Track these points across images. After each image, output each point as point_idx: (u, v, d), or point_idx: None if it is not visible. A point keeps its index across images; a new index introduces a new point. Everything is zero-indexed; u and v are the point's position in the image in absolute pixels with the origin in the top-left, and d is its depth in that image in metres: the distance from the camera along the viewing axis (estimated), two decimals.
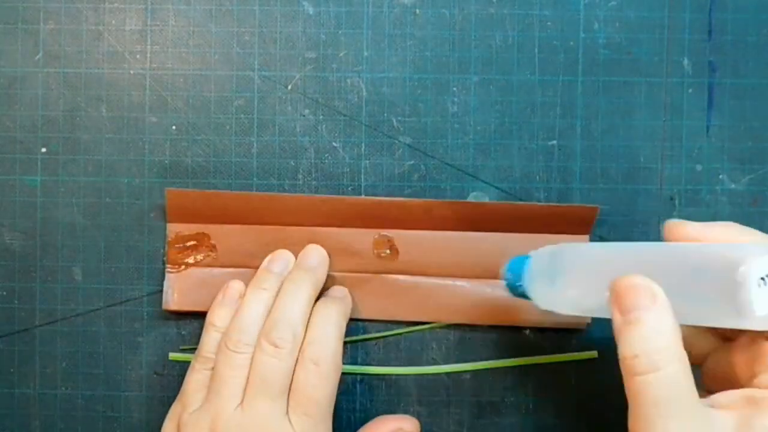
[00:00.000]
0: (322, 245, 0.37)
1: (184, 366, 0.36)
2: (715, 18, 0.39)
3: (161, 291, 0.38)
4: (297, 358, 0.33)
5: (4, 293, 0.38)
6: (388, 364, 0.38)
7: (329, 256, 0.37)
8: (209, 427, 0.32)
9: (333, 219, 0.37)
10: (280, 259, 0.37)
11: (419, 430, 0.36)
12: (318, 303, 0.36)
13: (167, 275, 0.37)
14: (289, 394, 0.33)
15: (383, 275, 0.38)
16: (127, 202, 0.38)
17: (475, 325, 0.38)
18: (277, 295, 0.35)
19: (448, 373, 0.38)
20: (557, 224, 0.37)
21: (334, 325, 0.35)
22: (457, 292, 0.38)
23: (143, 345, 0.38)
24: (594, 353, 0.38)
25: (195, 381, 0.34)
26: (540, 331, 0.38)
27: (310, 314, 0.35)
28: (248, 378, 0.33)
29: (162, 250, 0.38)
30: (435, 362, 0.38)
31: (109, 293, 0.38)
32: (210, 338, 0.35)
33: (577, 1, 0.38)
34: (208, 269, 0.37)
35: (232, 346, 0.33)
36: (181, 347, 0.38)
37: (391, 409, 0.38)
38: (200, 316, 0.38)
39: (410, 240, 0.38)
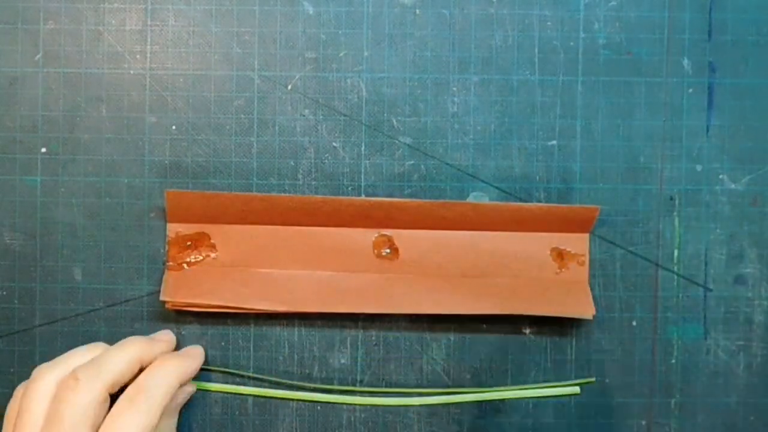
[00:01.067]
0: (321, 245, 0.37)
1: None
2: (715, 18, 0.39)
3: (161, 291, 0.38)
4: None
5: (4, 293, 0.38)
6: (388, 365, 0.38)
7: (329, 256, 0.37)
8: None
9: (333, 219, 0.37)
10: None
11: (193, 386, 0.36)
12: (159, 359, 0.34)
13: (167, 271, 0.37)
14: None
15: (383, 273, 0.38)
16: (127, 202, 0.38)
17: (474, 320, 0.38)
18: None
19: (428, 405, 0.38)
20: (558, 224, 0.37)
21: (168, 373, 0.33)
22: (456, 287, 0.37)
23: None
24: (576, 389, 0.38)
25: (9, 413, 0.33)
26: (540, 332, 0.38)
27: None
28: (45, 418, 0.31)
29: (162, 250, 0.38)
30: (435, 362, 0.38)
31: (109, 293, 0.38)
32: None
33: (577, 1, 0.38)
34: (208, 268, 0.37)
35: (39, 374, 0.32)
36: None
37: (391, 409, 0.38)
38: (200, 316, 0.38)
39: (410, 239, 0.38)
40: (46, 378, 0.32)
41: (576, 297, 0.38)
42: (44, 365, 0.33)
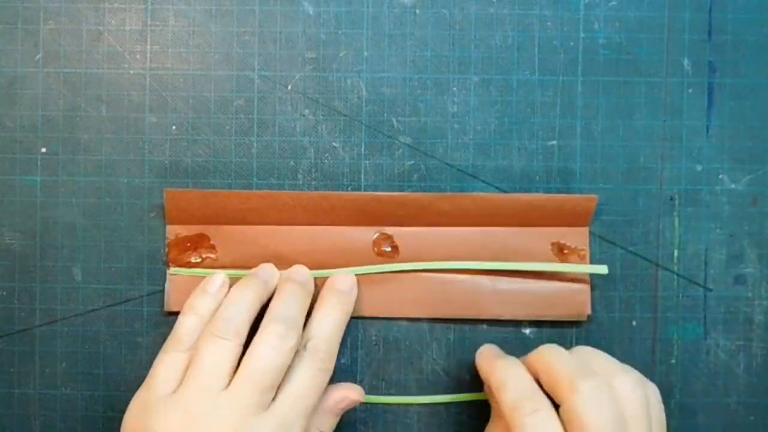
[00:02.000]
0: (321, 244, 0.37)
1: None
2: (715, 18, 0.39)
3: (161, 291, 0.38)
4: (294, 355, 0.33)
5: (4, 293, 0.38)
6: (388, 365, 0.38)
7: (330, 255, 0.37)
8: (183, 410, 0.32)
9: (333, 216, 0.37)
10: (265, 268, 0.37)
11: (362, 397, 0.36)
12: (322, 301, 0.36)
13: (168, 277, 0.37)
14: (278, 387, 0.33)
15: (384, 273, 0.38)
16: (127, 202, 0.38)
17: (474, 320, 0.38)
18: (263, 300, 0.35)
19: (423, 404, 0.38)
20: (557, 216, 0.37)
21: (336, 325, 0.35)
22: (457, 287, 0.38)
23: (143, 345, 0.38)
24: (604, 268, 0.38)
25: (167, 363, 0.34)
26: (540, 332, 0.38)
27: (313, 313, 0.35)
28: (239, 368, 0.33)
29: (162, 250, 0.38)
30: (435, 362, 0.38)
31: (109, 293, 0.38)
32: (188, 321, 0.34)
33: (577, 1, 0.38)
34: (209, 270, 0.37)
35: (218, 331, 0.33)
36: None
37: (391, 409, 0.38)
38: None
39: (410, 237, 0.38)
40: (229, 335, 0.33)
41: (574, 298, 0.38)
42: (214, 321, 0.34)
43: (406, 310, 0.38)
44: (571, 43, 0.38)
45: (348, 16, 0.38)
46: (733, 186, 0.39)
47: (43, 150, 0.38)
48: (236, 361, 0.33)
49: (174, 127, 0.38)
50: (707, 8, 0.39)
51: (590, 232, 0.38)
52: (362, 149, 0.38)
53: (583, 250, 0.38)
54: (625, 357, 0.37)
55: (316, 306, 0.36)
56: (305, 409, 0.33)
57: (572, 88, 0.38)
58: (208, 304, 0.35)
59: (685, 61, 0.39)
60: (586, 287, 0.38)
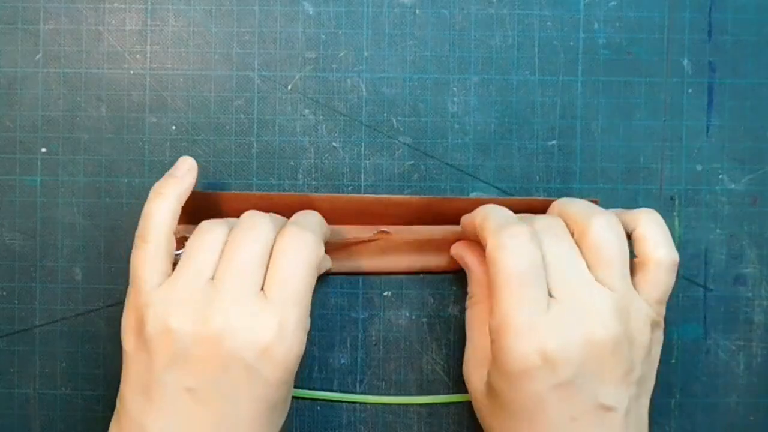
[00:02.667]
0: None
1: None
2: (715, 18, 0.39)
3: None
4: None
5: (4, 293, 0.38)
6: (388, 365, 0.38)
7: (329, 252, 0.38)
8: (176, 301, 0.31)
9: (332, 217, 0.37)
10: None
11: (330, 264, 0.36)
12: (285, 232, 0.33)
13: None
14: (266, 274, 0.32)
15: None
16: (127, 202, 0.38)
17: None
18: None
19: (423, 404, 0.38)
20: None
21: (315, 221, 0.35)
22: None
23: None
24: None
25: (143, 258, 0.32)
26: None
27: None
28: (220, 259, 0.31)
29: None
30: (435, 362, 0.38)
31: (109, 293, 0.38)
32: (156, 207, 0.33)
33: (577, 1, 0.38)
34: None
35: (206, 225, 0.32)
36: None
37: (391, 409, 0.38)
38: None
39: (408, 233, 0.38)
40: (217, 228, 0.32)
41: None
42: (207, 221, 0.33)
43: (406, 264, 0.38)
44: (571, 43, 0.38)
45: (348, 16, 0.38)
46: (733, 186, 0.39)
47: (43, 150, 0.38)
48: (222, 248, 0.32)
49: (174, 127, 0.38)
50: (707, 8, 0.39)
51: None
52: (362, 149, 0.38)
53: None
54: None
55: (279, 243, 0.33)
56: (301, 291, 0.31)
57: (572, 88, 0.38)
58: (176, 187, 0.33)
59: (685, 61, 0.39)
60: None
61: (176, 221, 0.33)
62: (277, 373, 0.31)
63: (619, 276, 0.31)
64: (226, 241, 0.32)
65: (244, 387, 0.30)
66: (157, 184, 0.34)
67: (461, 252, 0.37)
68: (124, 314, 0.33)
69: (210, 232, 0.32)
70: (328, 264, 0.37)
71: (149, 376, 0.31)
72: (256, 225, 0.32)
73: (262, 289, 0.31)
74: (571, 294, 0.30)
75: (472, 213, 0.34)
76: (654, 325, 0.31)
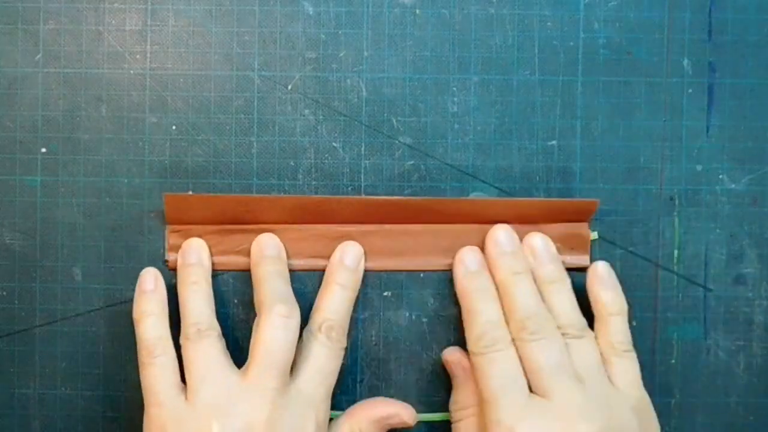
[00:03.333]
0: (321, 241, 0.37)
1: None
2: (715, 18, 0.39)
3: None
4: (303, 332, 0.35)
5: (4, 293, 0.38)
6: (388, 365, 0.38)
7: (329, 251, 0.38)
8: (206, 413, 0.32)
9: (332, 218, 0.37)
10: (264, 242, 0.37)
11: (415, 422, 0.36)
12: (331, 279, 0.36)
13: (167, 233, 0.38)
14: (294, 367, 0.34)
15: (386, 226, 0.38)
16: (127, 202, 0.38)
17: None
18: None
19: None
20: (557, 220, 0.37)
21: (348, 303, 0.36)
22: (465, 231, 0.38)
23: None
24: None
25: (155, 375, 0.34)
26: None
27: (323, 290, 0.37)
28: (251, 353, 0.33)
29: (162, 250, 0.38)
30: (435, 362, 0.38)
31: (109, 293, 0.38)
32: (146, 326, 0.35)
33: (577, 1, 0.38)
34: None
35: (201, 330, 0.34)
36: None
37: None
38: None
39: (410, 231, 0.38)
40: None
41: (575, 251, 0.38)
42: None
43: (412, 258, 0.38)
44: (571, 43, 0.38)
45: (348, 16, 0.38)
46: (733, 186, 0.39)
47: (43, 150, 0.38)
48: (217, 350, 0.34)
49: (174, 127, 0.38)
50: (707, 8, 0.39)
51: (590, 232, 0.38)
52: (362, 149, 0.38)
53: (584, 253, 0.38)
54: None
55: (325, 283, 0.37)
56: (327, 388, 0.34)
57: (572, 88, 0.38)
58: (155, 300, 0.36)
59: (685, 61, 0.39)
60: (586, 231, 0.38)
61: (168, 328, 0.35)
62: None
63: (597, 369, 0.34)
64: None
65: None
66: (136, 307, 0.36)
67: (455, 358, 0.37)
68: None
69: (204, 340, 0.34)
70: (408, 418, 0.37)
71: None
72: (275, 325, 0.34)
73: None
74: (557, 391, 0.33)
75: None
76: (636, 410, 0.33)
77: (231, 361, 0.34)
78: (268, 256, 0.36)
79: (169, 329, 0.35)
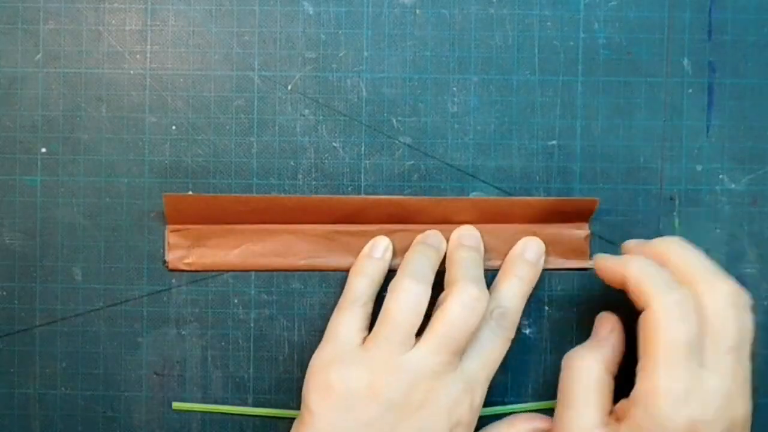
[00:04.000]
0: (322, 241, 0.37)
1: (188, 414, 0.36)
2: (715, 18, 0.39)
3: (161, 291, 0.38)
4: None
5: (4, 293, 0.38)
6: None
7: (330, 250, 0.38)
8: (369, 368, 0.32)
9: (332, 218, 0.37)
10: (434, 235, 0.37)
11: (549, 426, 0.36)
12: (509, 271, 0.37)
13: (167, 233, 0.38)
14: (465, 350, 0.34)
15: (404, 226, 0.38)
16: (127, 202, 0.38)
17: None
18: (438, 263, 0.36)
19: None
20: (557, 219, 0.37)
21: (522, 295, 0.36)
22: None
23: (143, 345, 0.38)
24: None
25: (346, 319, 0.34)
26: (540, 332, 0.38)
27: (500, 280, 0.36)
28: (429, 325, 0.33)
29: (162, 250, 0.38)
30: None
31: (109, 293, 0.38)
32: (359, 282, 0.35)
33: (577, 1, 0.38)
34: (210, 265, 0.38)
35: (412, 274, 0.34)
36: (182, 397, 0.38)
37: None
38: (201, 316, 0.38)
39: (410, 231, 0.38)
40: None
41: (575, 251, 0.38)
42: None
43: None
44: (571, 43, 0.38)
45: (348, 16, 0.38)
46: (733, 186, 0.39)
47: (43, 150, 0.38)
48: (424, 312, 0.33)
49: (174, 127, 0.38)
50: (707, 8, 0.39)
51: (590, 233, 0.38)
52: (362, 149, 0.38)
53: (584, 255, 0.38)
54: (624, 357, 0.37)
55: (503, 272, 0.37)
56: (489, 375, 0.34)
57: (572, 88, 0.38)
58: (375, 266, 0.36)
59: (685, 61, 0.39)
60: (585, 231, 0.38)
61: (374, 296, 0.36)
62: None
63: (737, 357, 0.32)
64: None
65: None
66: (357, 265, 0.37)
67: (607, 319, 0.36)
68: (314, 361, 0.34)
69: (409, 291, 0.33)
70: None
71: None
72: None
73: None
74: (720, 368, 0.31)
75: (619, 262, 0.34)
76: None
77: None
78: (467, 246, 0.37)
79: (374, 296, 0.36)
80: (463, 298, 0.33)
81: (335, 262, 0.38)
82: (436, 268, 0.36)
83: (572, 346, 0.36)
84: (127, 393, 0.38)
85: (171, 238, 0.38)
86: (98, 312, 0.38)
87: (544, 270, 0.38)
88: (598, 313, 0.38)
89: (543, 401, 0.38)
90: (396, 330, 0.33)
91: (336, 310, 0.35)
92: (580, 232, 0.38)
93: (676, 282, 0.32)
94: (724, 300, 0.31)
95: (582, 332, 0.38)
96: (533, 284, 0.37)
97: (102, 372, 0.38)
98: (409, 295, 0.33)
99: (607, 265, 0.34)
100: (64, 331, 0.38)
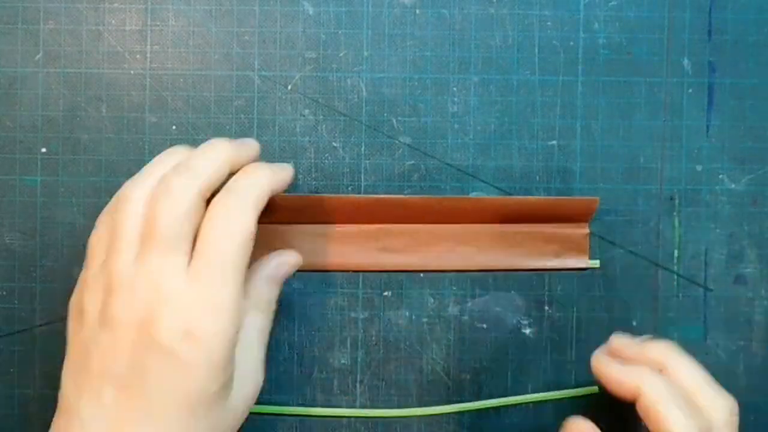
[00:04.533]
0: (320, 239, 0.38)
1: None
2: (715, 18, 0.39)
3: None
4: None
5: (4, 293, 0.38)
6: (388, 365, 0.38)
7: (330, 248, 0.38)
8: (105, 285, 0.29)
9: (332, 217, 0.37)
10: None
11: (300, 260, 0.34)
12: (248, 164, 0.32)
13: None
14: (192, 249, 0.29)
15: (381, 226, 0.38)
16: None
17: (473, 309, 0.38)
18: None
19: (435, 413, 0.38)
20: (557, 218, 0.37)
21: (266, 173, 0.32)
22: (459, 243, 0.38)
23: None
24: (595, 388, 0.38)
25: (99, 231, 0.31)
26: (540, 332, 0.38)
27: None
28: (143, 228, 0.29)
29: None
30: (435, 362, 0.38)
31: None
32: (132, 182, 0.31)
33: (577, 1, 0.38)
34: None
35: (127, 190, 0.30)
36: None
37: (391, 410, 0.38)
38: None
39: (410, 230, 0.38)
40: (135, 194, 0.30)
41: (575, 251, 0.38)
42: (129, 182, 0.31)
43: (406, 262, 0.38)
44: (571, 43, 0.38)
45: (348, 16, 0.38)
46: (733, 186, 0.39)
47: (43, 150, 0.38)
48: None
49: (174, 127, 0.38)
50: (707, 8, 0.39)
51: (590, 233, 0.38)
52: (362, 149, 0.38)
53: (584, 254, 0.38)
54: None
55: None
56: (232, 262, 0.29)
57: (572, 88, 0.38)
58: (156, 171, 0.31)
59: (685, 61, 0.39)
60: (585, 231, 0.38)
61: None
62: (201, 359, 0.28)
63: None
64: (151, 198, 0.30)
65: (167, 375, 0.28)
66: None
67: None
68: (76, 288, 0.31)
69: (131, 199, 0.30)
70: (294, 260, 0.34)
71: (83, 360, 0.30)
72: (181, 181, 0.30)
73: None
74: None
75: (630, 377, 0.33)
76: None
77: None
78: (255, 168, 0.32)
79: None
80: (167, 187, 0.29)
81: (337, 260, 0.38)
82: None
83: (572, 346, 0.36)
84: None
85: None
86: None
87: (544, 270, 0.38)
88: (598, 313, 0.38)
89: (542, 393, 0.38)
90: (118, 239, 0.30)
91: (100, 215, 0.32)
92: (580, 231, 0.38)
93: (688, 407, 0.32)
94: (725, 416, 0.32)
95: (582, 332, 0.38)
96: (275, 176, 0.32)
97: None
98: (124, 204, 0.30)
99: (613, 376, 0.33)
100: (64, 331, 0.38)
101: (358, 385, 0.38)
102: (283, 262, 0.34)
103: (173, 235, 0.29)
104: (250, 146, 0.33)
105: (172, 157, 0.31)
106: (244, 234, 0.29)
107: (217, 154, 0.31)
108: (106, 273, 0.29)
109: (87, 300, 0.30)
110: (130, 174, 0.38)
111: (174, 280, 0.29)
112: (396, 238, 0.38)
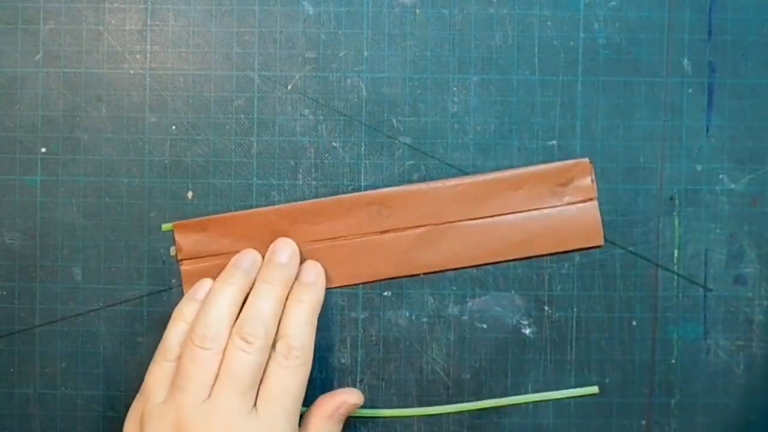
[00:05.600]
0: (319, 223, 0.38)
1: None
2: (715, 18, 0.39)
3: (161, 291, 0.38)
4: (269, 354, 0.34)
5: (4, 293, 0.38)
6: (388, 365, 0.38)
7: (322, 225, 0.38)
8: (173, 421, 0.32)
9: (333, 218, 0.38)
10: (247, 256, 0.37)
11: (362, 400, 0.36)
12: (290, 297, 0.36)
13: (182, 270, 0.38)
14: (258, 389, 0.33)
15: (366, 237, 0.38)
16: (127, 202, 0.38)
17: (473, 310, 0.38)
18: (246, 292, 0.35)
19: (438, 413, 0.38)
20: (555, 185, 0.38)
21: (306, 319, 0.35)
22: (463, 237, 0.38)
23: (143, 345, 0.38)
24: (595, 388, 0.38)
25: (157, 373, 0.34)
26: (540, 332, 0.38)
27: (284, 309, 0.35)
28: (217, 373, 0.33)
29: (162, 250, 0.38)
30: (435, 362, 0.38)
31: (109, 293, 0.38)
32: (175, 330, 0.35)
33: (577, 1, 0.38)
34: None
35: (198, 341, 0.33)
36: None
37: (391, 410, 0.38)
38: None
39: (404, 197, 0.38)
40: (206, 335, 0.34)
41: (585, 228, 0.38)
42: (193, 328, 0.34)
43: (396, 269, 0.38)
44: (571, 43, 0.38)
45: (348, 16, 0.38)
46: (733, 186, 0.39)
47: (43, 150, 0.38)
48: (218, 366, 0.33)
49: (174, 127, 0.38)
50: (707, 8, 0.39)
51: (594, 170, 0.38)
52: (362, 149, 0.38)
53: (589, 185, 0.38)
54: (624, 357, 0.37)
55: (287, 300, 0.36)
56: (289, 407, 0.34)
57: (572, 88, 0.38)
58: (194, 311, 0.35)
59: (685, 61, 0.39)
60: (594, 206, 0.38)
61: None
62: None
63: None
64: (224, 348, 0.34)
65: None
66: (180, 305, 0.36)
67: None
68: (129, 417, 0.34)
69: (199, 353, 0.33)
70: (354, 400, 0.37)
71: None
72: (246, 337, 0.34)
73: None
74: None
75: None
76: None
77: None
78: (273, 263, 0.36)
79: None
80: (238, 341, 0.33)
81: (324, 233, 0.38)
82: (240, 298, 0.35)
83: (572, 346, 0.36)
84: (127, 393, 0.38)
85: (186, 269, 0.38)
86: (98, 312, 0.38)
87: (555, 254, 0.38)
88: (598, 313, 0.38)
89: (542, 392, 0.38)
90: (189, 383, 0.33)
91: (152, 361, 0.35)
92: (581, 166, 0.38)
93: None
94: None
95: (582, 332, 0.38)
96: (317, 302, 0.36)
97: (102, 372, 0.38)
98: (195, 353, 0.33)
99: None
100: (64, 331, 0.38)
101: (358, 384, 0.38)
102: (344, 402, 0.36)
103: (247, 380, 0.33)
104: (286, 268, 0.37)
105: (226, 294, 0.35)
106: (303, 381, 0.34)
107: (274, 300, 0.35)
108: (176, 410, 0.33)
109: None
110: (130, 174, 0.38)
111: (245, 418, 0.33)
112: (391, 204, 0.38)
